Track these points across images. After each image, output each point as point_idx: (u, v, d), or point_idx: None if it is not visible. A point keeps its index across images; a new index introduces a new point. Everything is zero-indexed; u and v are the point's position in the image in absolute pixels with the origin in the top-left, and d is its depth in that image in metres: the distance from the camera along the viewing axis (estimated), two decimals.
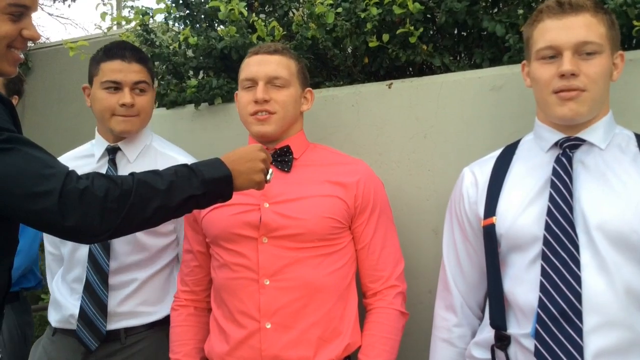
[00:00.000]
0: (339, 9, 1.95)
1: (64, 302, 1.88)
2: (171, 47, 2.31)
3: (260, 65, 1.70)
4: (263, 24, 1.96)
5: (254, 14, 2.03)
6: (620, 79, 1.51)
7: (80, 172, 1.28)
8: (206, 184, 1.34)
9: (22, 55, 1.39)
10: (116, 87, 1.83)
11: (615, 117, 1.51)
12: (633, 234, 1.33)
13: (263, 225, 1.64)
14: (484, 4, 1.99)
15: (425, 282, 1.76)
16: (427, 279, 1.81)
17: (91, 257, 1.84)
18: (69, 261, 1.90)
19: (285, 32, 2.06)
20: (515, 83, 1.79)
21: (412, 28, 1.89)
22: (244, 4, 1.98)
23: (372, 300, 1.71)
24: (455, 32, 2.10)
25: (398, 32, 1.91)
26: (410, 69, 2.14)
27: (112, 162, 1.91)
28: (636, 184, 1.38)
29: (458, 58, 2.11)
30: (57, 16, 14.97)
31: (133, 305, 1.85)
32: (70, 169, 1.26)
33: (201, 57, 2.23)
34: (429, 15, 2.04)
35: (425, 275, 1.76)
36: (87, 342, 1.81)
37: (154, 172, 1.33)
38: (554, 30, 1.40)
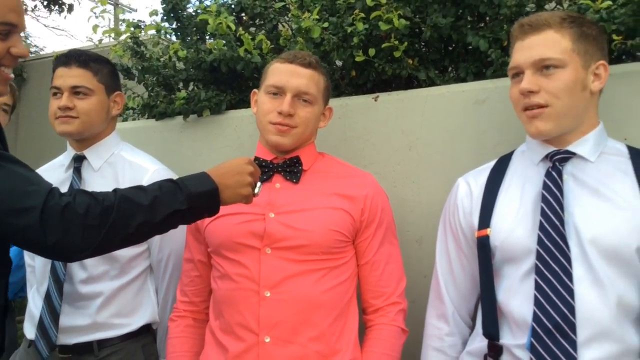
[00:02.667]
0: (326, 24, 1.98)
1: (37, 315, 1.86)
2: (161, 60, 2.33)
3: (292, 76, 1.66)
4: (250, 37, 1.98)
5: (241, 28, 2.05)
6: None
7: (53, 182, 1.28)
8: (191, 199, 1.33)
9: (12, 75, 1.40)
10: (57, 92, 1.86)
11: None
12: (626, 248, 1.34)
13: (267, 235, 1.60)
14: (469, 19, 2.03)
15: (408, 293, 1.77)
16: (411, 290, 1.82)
17: (52, 267, 1.83)
18: (41, 274, 1.88)
19: (273, 46, 2.09)
20: (498, 96, 1.82)
21: (397, 43, 1.92)
22: (232, 18, 2.00)
23: (373, 317, 1.68)
24: (443, 46, 2.13)
25: (383, 46, 1.94)
26: (397, 82, 2.17)
27: (77, 171, 1.90)
28: (628, 197, 1.39)
29: (444, 72, 2.14)
30: (53, 27, 15.05)
31: (106, 316, 1.82)
32: (53, 186, 1.26)
33: (191, 69, 2.26)
34: (416, 30, 2.07)
35: (409, 285, 1.77)
36: (42, 351, 1.78)
37: (138, 188, 1.32)
38: (518, 51, 1.46)
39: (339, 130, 2.06)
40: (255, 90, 1.78)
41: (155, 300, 1.93)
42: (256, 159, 1.71)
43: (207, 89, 2.20)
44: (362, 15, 1.93)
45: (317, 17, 1.94)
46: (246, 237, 1.62)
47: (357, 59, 1.99)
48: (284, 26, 2.09)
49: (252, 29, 2.38)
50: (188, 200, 1.32)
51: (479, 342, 1.50)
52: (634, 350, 1.33)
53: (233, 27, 2.02)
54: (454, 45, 2.07)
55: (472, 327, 1.63)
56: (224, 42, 2.03)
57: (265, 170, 1.69)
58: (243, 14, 2.30)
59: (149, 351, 1.90)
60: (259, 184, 1.47)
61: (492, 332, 1.46)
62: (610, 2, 1.62)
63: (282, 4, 2.16)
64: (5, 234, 1.23)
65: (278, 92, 1.66)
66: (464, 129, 1.89)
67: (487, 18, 2.05)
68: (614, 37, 1.62)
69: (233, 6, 2.28)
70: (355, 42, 1.96)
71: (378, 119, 2.02)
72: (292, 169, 1.69)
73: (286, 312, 1.56)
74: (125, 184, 1.80)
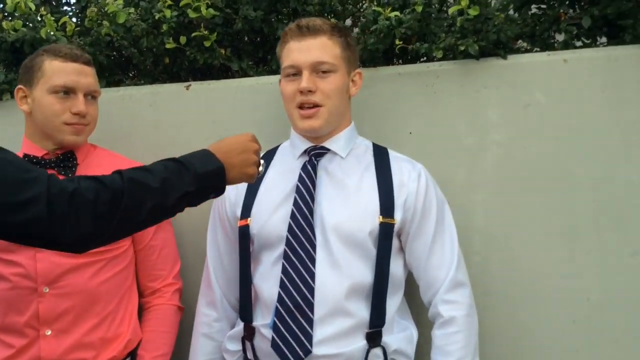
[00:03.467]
0: (131, 10, 1.94)
1: None
2: None
3: (80, 75, 1.65)
4: (52, 18, 1.90)
5: (43, 8, 1.95)
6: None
7: None
8: (199, 179, 1.21)
9: None
10: None
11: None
12: (359, 233, 1.52)
13: None
14: (280, 14, 2.09)
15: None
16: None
17: None
18: None
19: (79, 28, 2.01)
20: None
21: (206, 32, 1.93)
22: None
23: (151, 299, 1.76)
24: (258, 38, 2.18)
25: (193, 35, 1.95)
26: (214, 71, 2.18)
27: None
28: (367, 188, 1.57)
29: (259, 63, 2.19)
30: None
31: None
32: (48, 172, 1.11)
33: None
34: (231, 21, 2.09)
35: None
36: None
37: (142, 169, 1.19)
38: (295, 52, 1.56)
39: (150, 118, 2.04)
40: (21, 87, 1.68)
41: None
42: (25, 156, 1.66)
43: (8, 71, 2.06)
44: (170, 2, 1.92)
45: (121, 2, 1.89)
46: None
47: (168, 46, 1.98)
48: (94, 7, 2.01)
49: (66, 9, 2.28)
50: (196, 181, 1.21)
51: (238, 326, 1.61)
52: (364, 323, 1.50)
53: (33, 6, 1.92)
54: (266, 37, 2.13)
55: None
56: (23, 22, 1.92)
57: (37, 167, 1.63)
58: None
59: None
60: (262, 162, 1.39)
61: (246, 315, 1.58)
62: (398, 13, 1.77)
63: None
64: (4, 232, 1.06)
65: (69, 91, 1.64)
66: (272, 119, 1.95)
67: (300, 14, 2.13)
68: (397, 42, 1.76)
69: None
70: (165, 29, 1.95)
71: (190, 108, 2.02)
72: (66, 163, 1.68)
73: (66, 305, 1.58)
74: None
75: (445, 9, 1.91)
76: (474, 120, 1.82)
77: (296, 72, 1.56)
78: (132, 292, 1.73)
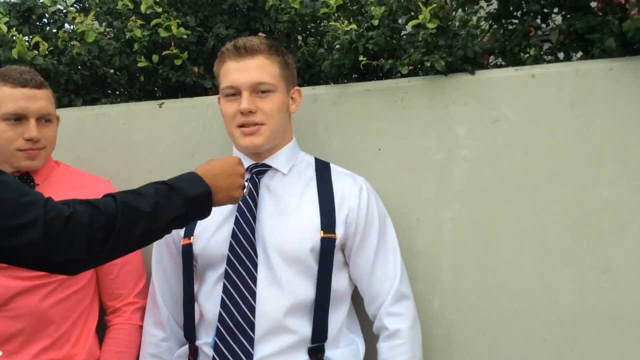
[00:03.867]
0: (101, 29, 1.96)
1: None
2: None
3: (30, 101, 1.63)
4: (25, 38, 1.92)
5: (14, 29, 1.98)
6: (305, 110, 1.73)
7: None
8: (188, 203, 1.23)
9: None
10: None
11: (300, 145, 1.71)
12: (301, 250, 1.51)
13: None
14: (253, 32, 2.10)
15: None
16: None
17: None
18: None
19: (52, 48, 2.03)
20: None
21: (177, 51, 1.95)
22: (5, 19, 1.94)
23: (111, 317, 1.76)
24: None
25: (164, 54, 1.96)
26: (188, 89, 2.19)
27: None
28: (306, 204, 1.56)
29: None
30: None
31: None
32: (45, 196, 1.12)
33: None
34: (203, 39, 2.11)
35: None
36: None
37: (134, 192, 1.20)
38: (234, 72, 1.56)
39: (123, 136, 2.05)
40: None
41: None
42: None
43: None
44: (141, 22, 1.93)
45: (91, 21, 1.92)
46: None
47: (140, 64, 1.99)
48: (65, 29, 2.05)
49: (48, 29, 2.31)
50: (185, 205, 1.22)
51: (183, 345, 1.60)
52: (307, 339, 1.49)
53: (5, 28, 1.95)
54: None
55: None
56: None
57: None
58: (30, 14, 2.22)
59: None
60: (247, 184, 1.41)
61: (189, 334, 1.58)
62: (355, 26, 1.77)
63: (61, 6, 2.12)
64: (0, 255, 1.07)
65: (20, 117, 1.63)
66: None
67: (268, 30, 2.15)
68: (361, 57, 1.76)
69: (18, 6, 2.19)
70: (137, 48, 1.96)
71: (162, 126, 2.03)
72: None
73: (16, 327, 1.58)
74: None
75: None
76: (443, 136, 1.81)
77: (235, 93, 1.56)
78: (91, 311, 1.72)
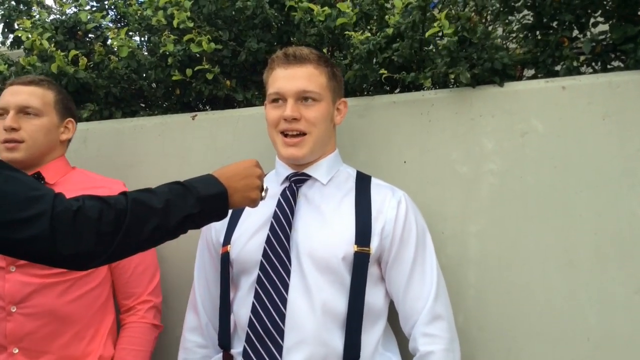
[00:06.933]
0: (133, 44, 2.03)
1: None
2: None
3: (13, 95, 1.71)
4: (63, 54, 2.01)
5: (53, 45, 2.08)
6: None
7: None
8: (202, 202, 1.24)
9: None
10: None
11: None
12: (333, 258, 1.49)
13: None
14: (283, 45, 2.13)
15: None
16: None
17: None
18: None
19: (91, 63, 2.12)
20: None
21: (208, 65, 2.00)
22: (48, 34, 2.04)
23: (125, 316, 1.80)
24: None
25: (196, 68, 2.02)
26: (220, 101, 2.25)
27: None
28: (342, 215, 1.55)
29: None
30: None
31: None
32: (56, 191, 1.15)
33: None
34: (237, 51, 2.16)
35: None
36: None
37: (147, 190, 1.23)
38: (281, 79, 1.57)
39: (158, 147, 2.12)
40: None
41: None
42: None
43: None
44: (174, 37, 2.00)
45: (125, 36, 1.99)
46: None
47: (174, 78, 2.05)
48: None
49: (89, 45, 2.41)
50: (199, 204, 1.24)
51: (218, 353, 1.60)
52: (337, 353, 1.46)
53: (47, 44, 2.05)
54: None
55: None
56: (39, 57, 2.05)
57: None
58: (77, 30, 2.32)
59: None
60: (266, 186, 1.43)
61: (224, 342, 1.57)
62: (370, 35, 1.76)
63: (99, 23, 2.22)
64: (8, 247, 1.09)
65: (3, 112, 1.72)
66: (271, 149, 1.98)
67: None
68: (382, 70, 1.76)
69: (65, 23, 2.30)
70: (171, 62, 2.03)
71: (195, 137, 2.08)
72: None
73: (33, 325, 1.63)
74: None
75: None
76: (469, 149, 1.78)
77: (280, 99, 1.57)
78: (107, 309, 1.77)
